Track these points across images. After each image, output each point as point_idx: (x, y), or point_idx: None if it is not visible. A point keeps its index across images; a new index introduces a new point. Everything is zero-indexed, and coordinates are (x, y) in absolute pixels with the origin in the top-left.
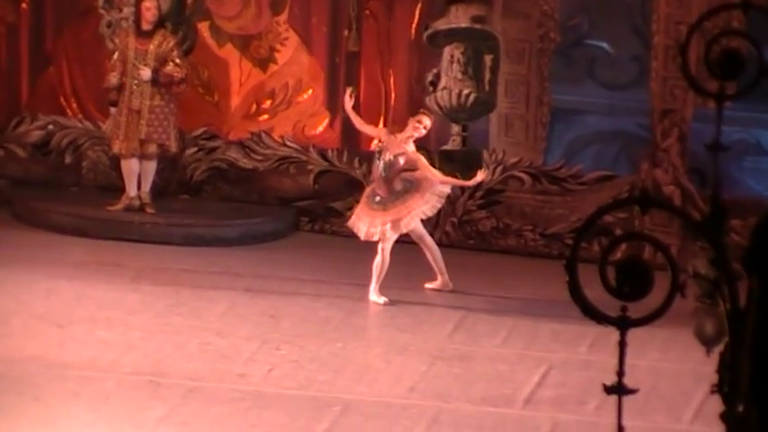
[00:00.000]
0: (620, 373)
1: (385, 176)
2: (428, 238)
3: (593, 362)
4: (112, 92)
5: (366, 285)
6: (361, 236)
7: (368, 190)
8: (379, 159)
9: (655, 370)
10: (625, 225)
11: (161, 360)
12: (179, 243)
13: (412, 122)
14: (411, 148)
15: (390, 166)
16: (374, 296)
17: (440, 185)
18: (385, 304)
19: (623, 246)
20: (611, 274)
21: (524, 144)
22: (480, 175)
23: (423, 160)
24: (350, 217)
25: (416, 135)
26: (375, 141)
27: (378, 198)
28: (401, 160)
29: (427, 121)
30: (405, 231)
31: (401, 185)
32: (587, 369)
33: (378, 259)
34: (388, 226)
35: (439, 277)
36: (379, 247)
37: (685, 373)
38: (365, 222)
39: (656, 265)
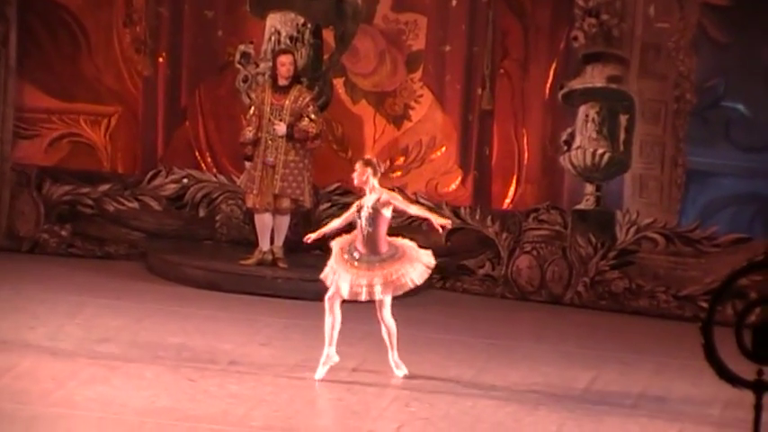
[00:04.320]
0: None
1: (369, 232)
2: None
3: (727, 425)
4: (248, 146)
5: (498, 344)
6: (344, 294)
7: (341, 244)
8: (359, 218)
9: None
10: (760, 288)
11: (291, 415)
12: (311, 298)
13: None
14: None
15: (371, 217)
16: (399, 370)
17: (427, 256)
18: (404, 377)
19: (758, 309)
20: (747, 337)
21: (658, 205)
22: (446, 222)
23: (398, 197)
24: (331, 271)
25: (362, 183)
26: (356, 204)
27: (357, 254)
28: (381, 209)
29: (358, 167)
30: (398, 294)
31: (387, 249)
32: None
33: (384, 329)
34: (379, 288)
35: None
36: (378, 315)
37: None
38: (346, 280)
39: None
